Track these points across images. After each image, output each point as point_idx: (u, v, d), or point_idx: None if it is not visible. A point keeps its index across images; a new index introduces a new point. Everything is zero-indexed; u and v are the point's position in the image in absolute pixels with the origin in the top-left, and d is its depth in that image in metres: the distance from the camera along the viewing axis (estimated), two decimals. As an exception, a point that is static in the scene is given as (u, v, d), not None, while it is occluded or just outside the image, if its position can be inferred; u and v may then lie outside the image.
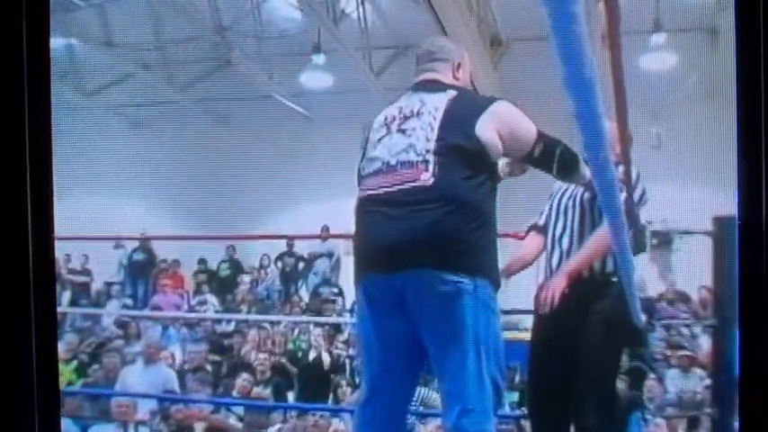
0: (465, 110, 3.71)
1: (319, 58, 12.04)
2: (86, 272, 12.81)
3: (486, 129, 3.67)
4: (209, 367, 9.20)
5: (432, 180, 3.56)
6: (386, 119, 3.81)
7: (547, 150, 3.80)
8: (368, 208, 3.71)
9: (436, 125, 3.68)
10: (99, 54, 13.12)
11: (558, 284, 4.17)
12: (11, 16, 3.23)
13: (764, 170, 2.97)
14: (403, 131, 3.72)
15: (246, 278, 11.89)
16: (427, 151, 3.63)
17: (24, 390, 3.30)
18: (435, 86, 3.87)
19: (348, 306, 11.02)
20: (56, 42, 12.95)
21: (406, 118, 3.76)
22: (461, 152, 3.60)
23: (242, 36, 11.91)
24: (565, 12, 2.03)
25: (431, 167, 3.59)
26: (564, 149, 3.83)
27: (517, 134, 3.72)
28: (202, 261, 12.44)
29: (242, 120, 12.87)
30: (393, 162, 3.67)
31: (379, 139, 3.76)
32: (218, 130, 12.88)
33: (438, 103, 3.73)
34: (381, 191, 3.66)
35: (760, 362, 3.07)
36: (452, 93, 3.78)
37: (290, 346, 9.40)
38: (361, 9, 11.49)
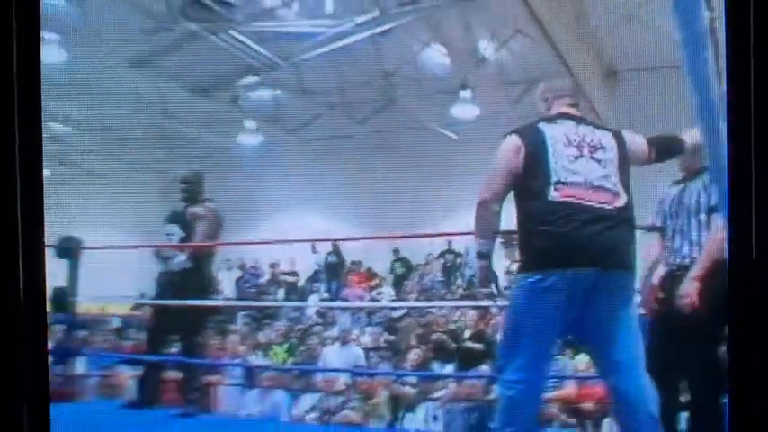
0: (622, 149, 3.94)
1: (466, 93, 12.05)
2: (294, 273, 13.22)
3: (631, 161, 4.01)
4: (386, 346, 9.40)
5: (622, 206, 3.82)
6: (568, 140, 3.92)
7: (659, 155, 4.15)
8: (569, 211, 3.78)
9: (616, 163, 3.90)
10: (297, 100, 13.60)
11: (694, 289, 4.20)
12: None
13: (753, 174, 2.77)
14: (598, 161, 3.89)
15: (416, 273, 12.03)
16: (617, 183, 3.86)
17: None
18: (594, 123, 4.07)
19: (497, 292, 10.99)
20: (265, 94, 13.57)
21: (594, 148, 3.92)
22: (627, 184, 3.89)
23: (403, 79, 12.10)
24: (697, 42, 2.12)
25: (621, 197, 3.84)
26: (666, 145, 4.20)
27: (639, 155, 4.05)
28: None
29: (406, 146, 12.94)
30: (596, 184, 3.83)
31: (576, 158, 3.88)
32: (389, 156, 13.02)
33: (611, 143, 3.94)
34: (588, 203, 3.79)
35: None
36: (609, 133, 3.99)
37: (451, 326, 9.34)
38: (497, 53, 11.53)
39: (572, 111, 4.09)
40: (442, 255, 12.25)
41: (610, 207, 3.84)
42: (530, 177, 3.83)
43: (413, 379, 8.23)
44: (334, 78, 12.90)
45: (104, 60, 12.43)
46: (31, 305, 2.86)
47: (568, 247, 3.77)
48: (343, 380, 8.40)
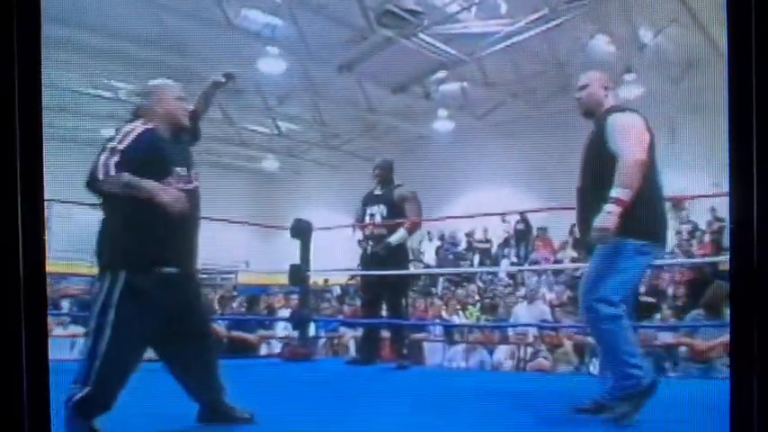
0: None
1: (630, 76, 11.54)
2: (487, 240, 13.27)
3: None
4: (569, 302, 9.04)
5: None
6: None
7: None
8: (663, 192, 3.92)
9: None
10: (482, 90, 13.78)
11: None
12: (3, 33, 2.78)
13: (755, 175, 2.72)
14: None
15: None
16: None
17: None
18: None
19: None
20: (454, 87, 13.82)
21: None
22: None
23: (575, 67, 11.95)
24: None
25: None
26: None
27: None
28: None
29: (580, 125, 12.46)
30: None
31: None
32: (566, 134, 12.57)
33: None
34: None
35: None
36: None
37: None
38: (655, 39, 11.36)
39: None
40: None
41: None
42: (649, 159, 3.79)
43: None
44: (514, 70, 12.98)
45: (316, 67, 13.19)
46: (31, 291, 2.82)
47: (663, 223, 3.90)
48: (532, 333, 8.41)
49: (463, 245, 13.55)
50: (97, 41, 11.13)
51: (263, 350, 8.52)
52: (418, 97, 14.05)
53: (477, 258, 13.18)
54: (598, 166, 3.87)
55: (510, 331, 8.73)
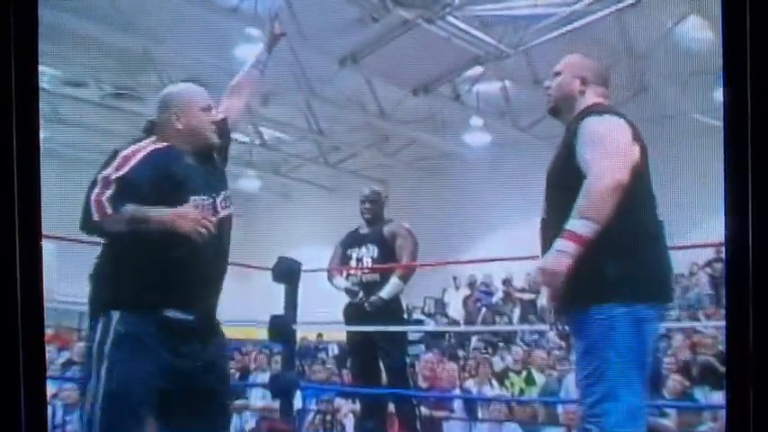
0: None
1: None
2: (534, 290, 12.92)
3: None
4: None
5: None
6: None
7: None
8: (664, 232, 3.67)
9: None
10: (528, 93, 13.57)
11: None
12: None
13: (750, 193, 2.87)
14: None
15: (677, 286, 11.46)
16: None
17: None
18: None
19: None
20: (492, 87, 13.79)
21: None
22: None
23: (655, 61, 11.93)
24: None
25: None
26: None
27: None
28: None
29: (660, 138, 12.25)
30: None
31: None
32: None
33: None
34: None
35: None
36: None
37: (721, 347, 8.83)
38: None
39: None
40: (709, 264, 11.65)
41: None
42: (637, 182, 3.54)
43: (672, 410, 7.90)
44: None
45: (311, 57, 13.10)
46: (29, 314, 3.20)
47: (666, 271, 3.68)
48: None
49: (500, 295, 13.46)
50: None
51: (234, 424, 8.43)
52: (446, 101, 14.05)
53: (517, 312, 13.05)
54: (563, 189, 3.60)
55: (560, 408, 8.71)
